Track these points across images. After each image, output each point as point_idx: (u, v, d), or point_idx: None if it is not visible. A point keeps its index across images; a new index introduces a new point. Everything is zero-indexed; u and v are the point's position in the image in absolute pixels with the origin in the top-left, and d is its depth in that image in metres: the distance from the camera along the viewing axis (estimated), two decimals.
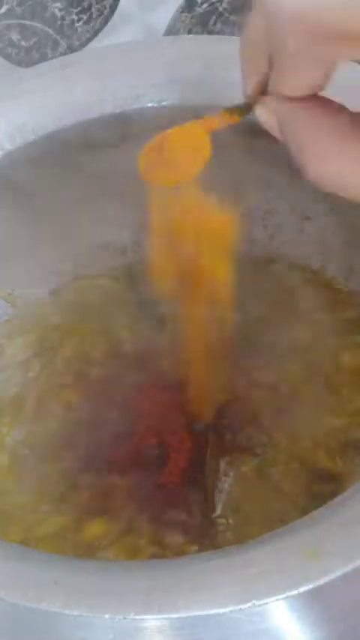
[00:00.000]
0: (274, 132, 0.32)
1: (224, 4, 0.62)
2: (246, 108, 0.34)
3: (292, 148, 0.30)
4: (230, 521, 0.47)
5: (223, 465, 0.48)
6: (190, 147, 0.38)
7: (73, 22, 0.57)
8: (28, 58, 0.56)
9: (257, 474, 0.48)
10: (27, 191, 0.50)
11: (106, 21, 0.58)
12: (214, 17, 0.63)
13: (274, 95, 0.30)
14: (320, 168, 0.29)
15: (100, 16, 0.58)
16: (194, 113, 0.47)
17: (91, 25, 0.58)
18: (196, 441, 0.49)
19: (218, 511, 0.47)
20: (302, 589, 0.32)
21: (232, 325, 0.54)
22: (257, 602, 0.32)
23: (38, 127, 0.47)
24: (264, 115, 0.32)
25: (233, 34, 0.64)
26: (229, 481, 0.48)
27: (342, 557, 0.32)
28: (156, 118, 0.48)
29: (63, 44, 0.57)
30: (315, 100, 0.30)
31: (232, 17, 0.64)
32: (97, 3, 0.57)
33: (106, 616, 0.32)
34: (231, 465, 0.48)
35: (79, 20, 0.57)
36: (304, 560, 0.32)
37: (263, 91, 0.31)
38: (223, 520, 0.47)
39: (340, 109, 0.30)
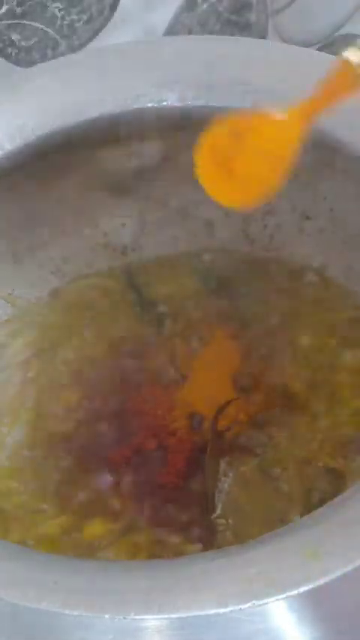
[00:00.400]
0: None
1: (224, 4, 0.62)
2: None
3: None
4: (230, 521, 0.47)
5: (223, 465, 0.48)
6: (268, 153, 0.30)
7: (73, 22, 0.57)
8: (28, 58, 0.56)
9: (257, 474, 0.48)
10: (27, 191, 0.50)
11: (106, 21, 0.58)
12: (214, 17, 0.63)
13: None
14: None
15: (100, 16, 0.58)
16: (194, 113, 0.48)
17: (91, 25, 0.58)
18: (196, 441, 0.49)
19: (218, 511, 0.47)
20: (302, 589, 0.32)
21: (231, 325, 0.54)
22: (257, 602, 0.32)
23: (38, 127, 0.47)
24: None
25: (233, 34, 0.65)
26: (228, 481, 0.48)
27: (342, 557, 0.32)
28: (156, 118, 0.48)
29: (63, 44, 0.57)
30: None
31: (232, 17, 0.64)
32: (97, 3, 0.57)
33: (106, 616, 0.32)
34: (231, 465, 0.48)
35: (79, 20, 0.57)
36: (304, 560, 0.32)
37: None
38: (223, 520, 0.47)
39: None
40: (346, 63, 0.27)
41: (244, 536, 0.46)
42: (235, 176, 0.31)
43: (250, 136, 0.30)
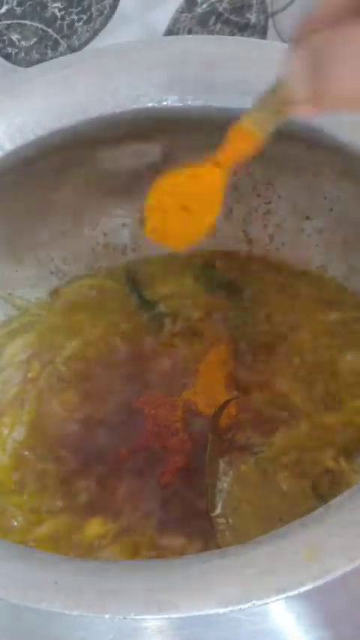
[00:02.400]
0: (293, 81, 0.29)
1: (224, 4, 0.62)
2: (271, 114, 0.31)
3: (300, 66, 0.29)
4: (230, 520, 0.47)
5: (222, 464, 0.48)
6: (198, 198, 0.35)
7: (73, 22, 0.57)
8: (28, 58, 0.56)
9: (256, 473, 0.48)
10: (27, 191, 0.50)
11: (106, 21, 0.58)
12: (214, 17, 0.63)
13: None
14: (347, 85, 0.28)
15: (100, 16, 0.58)
16: (194, 113, 0.48)
17: (91, 25, 0.58)
18: (196, 440, 0.49)
19: (218, 510, 0.47)
20: (302, 589, 0.32)
21: (231, 325, 0.54)
22: (257, 602, 0.32)
23: (38, 127, 0.47)
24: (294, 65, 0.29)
25: (233, 34, 0.65)
26: (228, 480, 0.48)
27: (342, 557, 0.32)
28: (156, 118, 0.48)
29: (63, 44, 0.57)
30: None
31: (232, 17, 0.64)
32: (97, 3, 0.57)
33: (106, 616, 0.32)
34: (230, 465, 0.48)
35: (79, 20, 0.57)
36: (304, 560, 0.32)
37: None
38: (222, 519, 0.47)
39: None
40: (244, 129, 0.33)
41: (243, 535, 0.46)
42: (177, 223, 0.36)
43: (182, 189, 0.35)
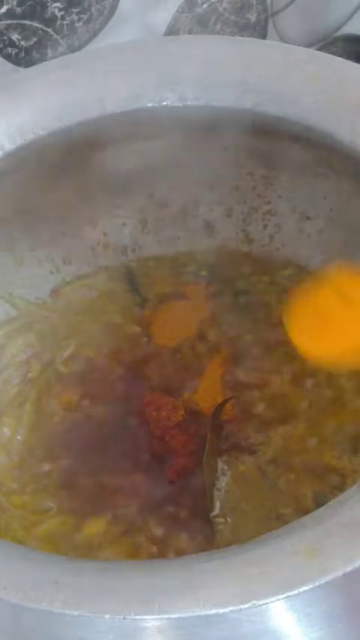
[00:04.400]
0: None
1: (224, 4, 0.62)
2: None
3: None
4: (228, 519, 0.47)
5: (220, 464, 0.48)
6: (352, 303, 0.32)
7: (73, 22, 0.57)
8: (28, 58, 0.56)
9: (254, 473, 0.48)
10: (27, 191, 0.50)
11: (106, 21, 0.58)
12: (214, 17, 0.63)
13: None
14: None
15: (100, 16, 0.58)
16: (194, 113, 0.48)
17: (91, 25, 0.58)
18: (196, 441, 0.49)
19: (216, 510, 0.47)
20: (302, 589, 0.32)
21: (231, 325, 0.54)
22: (257, 602, 0.32)
23: (38, 127, 0.47)
24: None
25: (233, 34, 0.65)
26: (226, 479, 0.48)
27: (342, 557, 0.32)
28: (156, 118, 0.48)
29: (63, 44, 0.57)
30: None
31: (232, 17, 0.64)
32: (97, 3, 0.57)
33: (106, 616, 0.32)
34: (229, 464, 0.48)
35: (79, 20, 0.57)
36: (304, 560, 0.32)
37: None
38: (221, 519, 0.47)
39: None
40: None
41: (241, 534, 0.46)
42: (334, 331, 0.32)
43: (354, 293, 0.31)
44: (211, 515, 0.47)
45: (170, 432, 0.49)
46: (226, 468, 0.48)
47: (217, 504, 0.47)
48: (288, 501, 0.47)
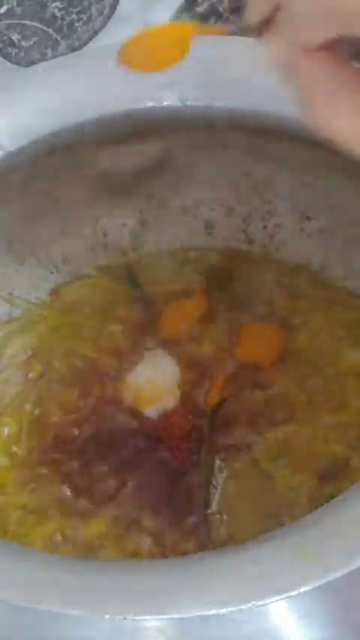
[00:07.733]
0: (278, 68, 0.30)
1: (224, 4, 0.62)
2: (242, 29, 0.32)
3: (299, 92, 0.29)
4: (224, 517, 0.47)
5: (217, 461, 0.48)
6: (170, 41, 0.38)
7: (73, 22, 0.57)
8: (28, 58, 0.56)
9: (251, 471, 0.48)
10: (27, 191, 0.50)
11: (105, 21, 0.58)
12: (214, 17, 0.63)
13: (283, 36, 0.29)
14: (323, 117, 0.29)
15: (99, 16, 0.58)
16: (194, 113, 0.48)
17: (91, 25, 0.58)
18: (194, 439, 0.49)
19: (213, 507, 0.47)
20: (302, 589, 0.32)
21: (231, 325, 0.54)
22: (257, 602, 0.32)
23: (38, 127, 0.47)
24: (275, 51, 0.29)
25: (233, 34, 0.64)
26: (223, 477, 0.48)
27: (342, 557, 0.32)
28: (156, 118, 0.48)
29: (63, 44, 0.57)
30: (326, 49, 0.28)
31: (232, 17, 0.64)
32: (97, 3, 0.57)
33: (106, 616, 0.32)
34: (225, 462, 0.48)
35: (79, 20, 0.57)
36: (304, 560, 0.32)
37: (268, 24, 0.29)
38: (217, 517, 0.47)
39: (347, 61, 0.29)
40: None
41: (237, 532, 0.46)
42: (145, 51, 0.38)
43: (156, 30, 0.38)
44: (208, 512, 0.47)
45: (169, 431, 0.49)
46: (223, 465, 0.48)
47: (213, 502, 0.47)
48: (284, 499, 0.47)
